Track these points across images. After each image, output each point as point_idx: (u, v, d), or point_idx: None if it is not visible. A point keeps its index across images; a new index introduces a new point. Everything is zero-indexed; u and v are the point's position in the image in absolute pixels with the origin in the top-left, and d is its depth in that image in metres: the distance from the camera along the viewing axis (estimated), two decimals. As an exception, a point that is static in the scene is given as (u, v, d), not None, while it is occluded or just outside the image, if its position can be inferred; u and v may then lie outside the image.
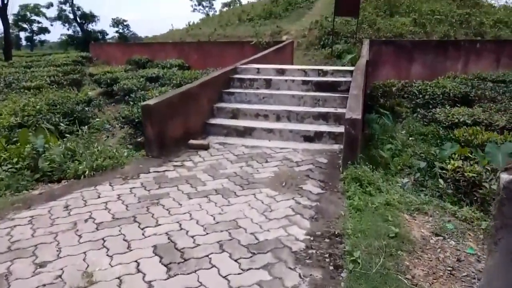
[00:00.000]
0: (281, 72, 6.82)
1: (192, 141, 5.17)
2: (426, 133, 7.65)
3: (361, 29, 15.04)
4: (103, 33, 60.82)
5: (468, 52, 11.20)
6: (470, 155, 4.68)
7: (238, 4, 41.76)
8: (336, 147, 5.18)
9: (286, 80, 6.44)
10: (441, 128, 7.00)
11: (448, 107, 7.89)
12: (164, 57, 14.87)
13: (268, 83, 6.52)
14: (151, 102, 4.69)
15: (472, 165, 4.04)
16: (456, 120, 6.77)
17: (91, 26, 56.54)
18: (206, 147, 5.12)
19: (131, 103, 9.54)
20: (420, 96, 8.82)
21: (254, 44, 10.51)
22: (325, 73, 6.61)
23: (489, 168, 3.92)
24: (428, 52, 11.20)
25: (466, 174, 3.71)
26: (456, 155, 4.55)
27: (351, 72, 6.45)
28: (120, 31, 74.81)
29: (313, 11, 20.12)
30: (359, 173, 3.81)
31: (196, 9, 79.55)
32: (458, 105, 8.02)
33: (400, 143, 7.01)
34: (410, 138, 7.62)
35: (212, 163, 4.61)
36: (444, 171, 4.00)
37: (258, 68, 7.02)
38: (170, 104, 4.92)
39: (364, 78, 5.83)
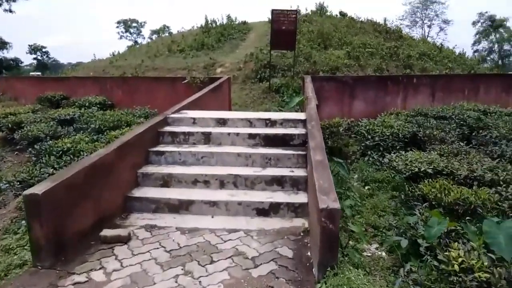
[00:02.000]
0: (222, 122, 5.71)
1: (106, 232, 3.72)
2: (381, 179, 7.01)
3: (297, 62, 14.66)
4: (16, 61, 55.32)
5: (406, 87, 11.16)
6: (457, 227, 3.90)
7: (167, 34, 40.44)
8: (298, 223, 4.11)
9: (229, 134, 5.31)
10: (401, 178, 6.37)
11: (402, 151, 7.36)
12: (84, 94, 12.99)
13: (207, 138, 5.33)
14: (38, 189, 3.18)
15: (469, 252, 3.21)
16: (416, 169, 6.14)
17: (1, 54, 51.04)
18: (125, 240, 3.72)
19: (34, 158, 7.73)
20: (369, 137, 8.26)
21: (188, 82, 9.36)
22: (273, 123, 5.62)
23: (494, 258, 3.11)
24: (369, 88, 10.95)
25: (476, 275, 2.83)
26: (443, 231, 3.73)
27: (303, 122, 5.55)
28: (39, 58, 68.79)
29: (246, 42, 19.61)
30: (343, 284, 2.76)
31: (123, 36, 76.27)
32: (409, 148, 7.55)
33: (358, 196, 6.22)
34: (366, 187, 6.91)
35: (133, 271, 3.22)
36: (442, 265, 3.11)
37: (194, 118, 5.79)
38: (71, 186, 3.46)
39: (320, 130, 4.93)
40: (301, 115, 5.91)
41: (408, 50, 17.99)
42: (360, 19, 23.13)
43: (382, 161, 7.26)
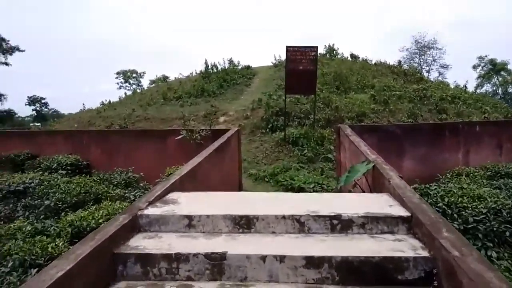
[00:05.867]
0: (245, 224, 2.94)
1: None
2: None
3: (316, 108, 12.22)
4: (10, 112, 53.44)
5: (467, 138, 8.57)
6: None
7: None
8: None
9: (263, 258, 2.55)
10: None
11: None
12: (54, 152, 10.33)
13: (217, 267, 2.55)
14: None
15: None
16: None
17: (-4, 106, 49.32)
18: None
19: None
20: (454, 215, 5.47)
21: (184, 138, 6.75)
22: (346, 225, 2.80)
23: None
24: (421, 139, 8.35)
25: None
26: None
27: (405, 221, 2.79)
28: (38, 109, 67.06)
29: (252, 88, 17.41)
30: None
31: (122, 86, 75.40)
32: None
33: None
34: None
35: None
36: None
37: (189, 217, 3.01)
38: None
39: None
40: (393, 207, 3.08)
41: (437, 93, 15.73)
42: (373, 62, 21.26)
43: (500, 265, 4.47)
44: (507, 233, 5.03)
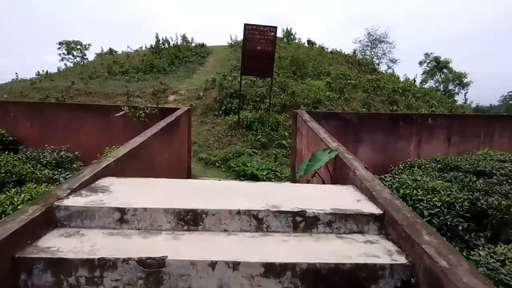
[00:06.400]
0: (192, 220, 2.40)
1: None
2: None
3: (272, 92, 11.82)
4: None
5: (419, 130, 8.65)
6: None
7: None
8: None
9: (212, 264, 2.03)
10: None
11: (478, 239, 4.61)
12: (-24, 125, 8.96)
13: (154, 276, 2.01)
14: None
15: None
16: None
17: None
18: None
19: None
20: (410, 207, 5.37)
21: (125, 115, 5.97)
22: (311, 223, 2.34)
23: None
24: (378, 129, 8.29)
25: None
26: None
27: (376, 220, 2.42)
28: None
29: (206, 67, 16.61)
30: None
31: (65, 58, 69.73)
32: (481, 233, 4.86)
33: None
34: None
35: None
36: None
37: (121, 209, 2.43)
38: None
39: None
40: (362, 202, 2.69)
41: (390, 85, 16.03)
42: (329, 49, 21.26)
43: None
44: (460, 227, 4.99)
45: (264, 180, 7.57)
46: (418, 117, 8.68)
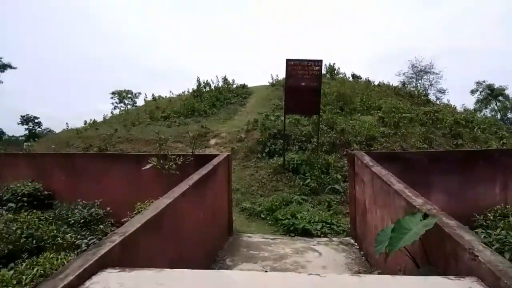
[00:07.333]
0: None
1: None
2: None
3: (319, 130, 10.81)
4: (-1, 132, 51.49)
5: (505, 168, 7.11)
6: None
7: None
8: None
9: None
10: None
11: None
12: (15, 178, 8.71)
13: None
14: None
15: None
16: None
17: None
18: None
19: None
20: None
21: (154, 168, 5.20)
22: None
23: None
24: (449, 170, 6.89)
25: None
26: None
27: None
28: (30, 128, 64.96)
29: (247, 107, 16.05)
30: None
31: (117, 107, 73.85)
32: None
33: None
34: None
35: None
36: None
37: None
38: None
39: None
40: None
41: (449, 116, 14.41)
42: (375, 82, 20.08)
43: None
44: None
45: (319, 236, 6.39)
46: (501, 153, 7.19)
